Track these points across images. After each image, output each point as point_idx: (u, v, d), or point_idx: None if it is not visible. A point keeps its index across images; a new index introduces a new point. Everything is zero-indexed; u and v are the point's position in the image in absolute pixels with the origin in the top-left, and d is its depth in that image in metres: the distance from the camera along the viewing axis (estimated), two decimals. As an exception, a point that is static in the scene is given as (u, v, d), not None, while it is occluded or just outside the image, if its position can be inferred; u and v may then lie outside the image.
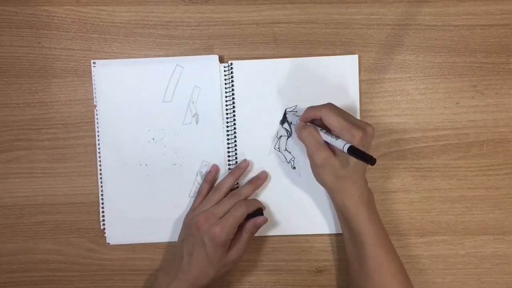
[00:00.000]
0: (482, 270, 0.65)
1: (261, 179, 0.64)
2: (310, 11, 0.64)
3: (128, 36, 0.64)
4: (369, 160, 0.49)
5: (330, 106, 0.57)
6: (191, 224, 0.59)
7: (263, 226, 0.61)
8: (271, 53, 0.64)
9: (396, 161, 0.64)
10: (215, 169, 0.64)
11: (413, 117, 0.64)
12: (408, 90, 0.64)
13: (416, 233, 0.65)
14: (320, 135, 0.57)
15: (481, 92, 0.64)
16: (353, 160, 0.54)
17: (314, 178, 0.59)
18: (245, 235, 0.60)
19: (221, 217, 0.58)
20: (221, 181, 0.63)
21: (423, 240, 0.65)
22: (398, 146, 0.64)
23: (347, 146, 0.52)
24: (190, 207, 0.64)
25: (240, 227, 0.59)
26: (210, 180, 0.64)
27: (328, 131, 0.56)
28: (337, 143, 0.54)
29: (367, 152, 0.50)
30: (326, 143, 0.56)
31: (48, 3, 0.64)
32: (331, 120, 0.55)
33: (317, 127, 0.58)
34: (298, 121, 0.60)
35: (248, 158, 0.64)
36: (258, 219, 0.61)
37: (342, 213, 0.59)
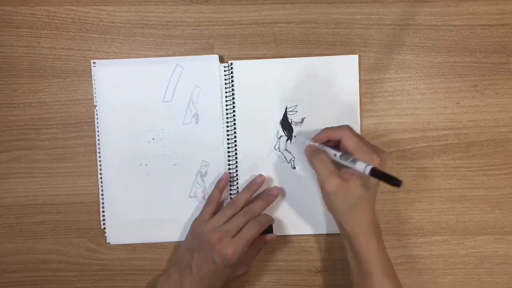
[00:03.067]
0: (482, 270, 0.65)
1: (273, 195, 0.63)
2: (310, 11, 0.64)
3: (128, 36, 0.64)
4: (395, 181, 0.47)
5: (349, 128, 0.56)
6: (202, 239, 0.58)
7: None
8: (271, 53, 0.64)
9: (396, 161, 0.64)
10: (226, 177, 0.64)
11: (413, 117, 0.64)
12: (408, 90, 0.64)
13: (416, 233, 0.65)
14: (331, 162, 0.55)
15: (481, 92, 0.64)
16: (366, 187, 0.53)
17: (322, 197, 0.58)
18: (253, 251, 0.60)
19: (234, 235, 0.58)
20: (236, 196, 0.63)
21: (423, 240, 0.65)
22: (398, 146, 0.64)
23: (369, 168, 0.50)
24: (200, 213, 0.63)
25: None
26: (221, 188, 0.63)
27: (344, 153, 0.55)
28: (357, 165, 0.52)
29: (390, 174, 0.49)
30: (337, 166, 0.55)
31: (48, 3, 0.64)
32: (351, 142, 0.54)
33: (331, 149, 0.56)
34: (310, 142, 0.59)
35: (248, 158, 0.64)
36: (268, 236, 0.61)
37: (350, 241, 0.56)
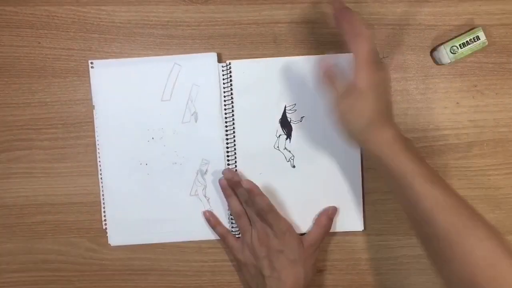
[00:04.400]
0: (483, 270, 0.64)
1: (250, 181, 0.62)
2: (310, 11, 0.64)
3: (128, 36, 0.64)
4: None
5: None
6: (255, 253, 0.60)
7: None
8: (271, 53, 0.64)
9: (396, 161, 0.64)
10: (208, 215, 0.64)
11: (413, 117, 0.64)
12: (408, 90, 0.64)
13: (416, 233, 0.65)
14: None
15: (481, 92, 0.64)
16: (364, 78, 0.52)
17: (337, 119, 0.55)
18: (321, 218, 0.62)
19: (268, 226, 0.59)
20: (231, 209, 0.63)
21: (423, 240, 0.64)
22: (398, 146, 0.64)
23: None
24: (230, 248, 0.64)
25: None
26: (216, 224, 0.64)
27: None
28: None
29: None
30: None
31: (48, 3, 0.64)
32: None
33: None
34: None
35: (247, 157, 0.64)
36: (333, 208, 0.63)
37: (380, 162, 0.51)
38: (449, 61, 0.62)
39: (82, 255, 0.65)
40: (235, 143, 0.64)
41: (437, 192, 0.48)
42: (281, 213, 0.63)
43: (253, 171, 0.64)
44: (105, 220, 0.65)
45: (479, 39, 0.61)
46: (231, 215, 0.64)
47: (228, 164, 0.64)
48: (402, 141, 0.51)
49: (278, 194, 0.64)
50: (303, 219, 0.64)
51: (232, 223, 0.64)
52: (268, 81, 0.64)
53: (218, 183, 0.64)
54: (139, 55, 0.64)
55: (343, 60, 0.63)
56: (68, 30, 0.64)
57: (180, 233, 0.65)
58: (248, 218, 0.62)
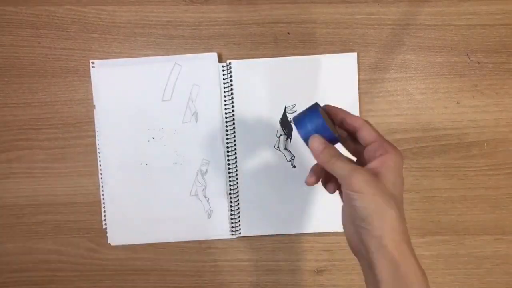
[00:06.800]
0: (483, 270, 0.64)
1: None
2: (310, 11, 0.64)
3: (128, 36, 0.64)
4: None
5: (366, 120, 0.46)
6: None
7: (264, 224, 0.61)
8: (271, 53, 0.64)
9: (396, 161, 0.64)
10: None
11: (414, 117, 0.64)
12: (409, 90, 0.64)
13: (417, 233, 0.65)
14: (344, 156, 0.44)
15: (481, 92, 0.64)
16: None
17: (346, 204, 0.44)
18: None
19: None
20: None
21: (424, 240, 0.65)
22: (398, 146, 0.64)
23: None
24: None
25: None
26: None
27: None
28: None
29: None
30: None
31: (48, 3, 0.64)
32: (367, 132, 0.45)
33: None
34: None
35: (247, 157, 0.64)
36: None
37: (379, 254, 0.40)
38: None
39: (82, 255, 0.65)
40: (236, 143, 0.64)
41: None
42: (282, 213, 0.63)
43: (253, 171, 0.64)
44: (105, 220, 0.65)
45: None
46: (231, 211, 0.64)
47: (229, 164, 0.64)
48: (408, 238, 0.41)
49: (279, 194, 0.64)
50: (304, 219, 0.64)
51: (232, 222, 0.64)
52: (268, 81, 0.64)
53: (218, 183, 0.64)
54: (139, 55, 0.64)
55: (342, 59, 0.63)
56: (68, 30, 0.64)
57: (180, 233, 0.65)
58: None
